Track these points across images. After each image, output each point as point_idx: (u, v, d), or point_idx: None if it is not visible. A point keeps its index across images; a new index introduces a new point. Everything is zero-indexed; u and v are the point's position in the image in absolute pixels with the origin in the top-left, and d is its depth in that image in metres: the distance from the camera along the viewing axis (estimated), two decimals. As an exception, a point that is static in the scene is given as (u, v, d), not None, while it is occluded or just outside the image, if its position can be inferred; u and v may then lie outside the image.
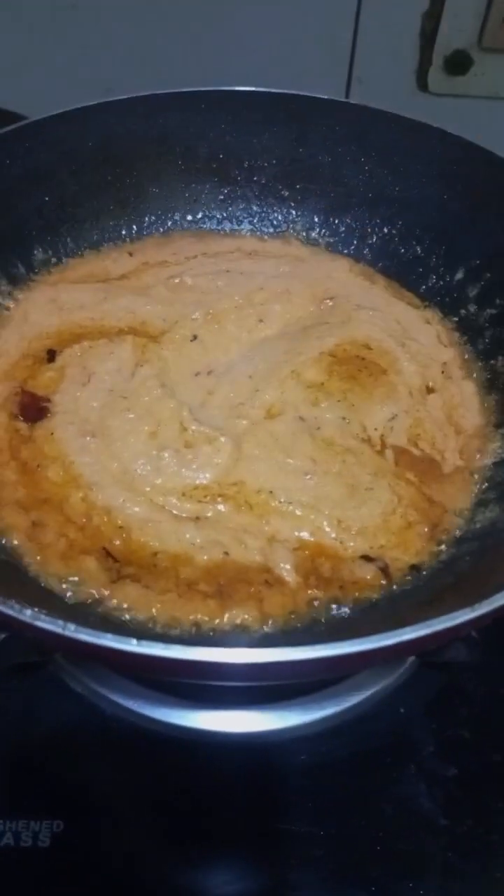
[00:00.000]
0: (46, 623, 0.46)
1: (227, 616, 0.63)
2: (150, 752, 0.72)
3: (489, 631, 0.72)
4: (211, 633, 0.63)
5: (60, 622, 0.45)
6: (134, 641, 0.45)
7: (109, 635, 0.45)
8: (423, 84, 1.29)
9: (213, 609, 0.63)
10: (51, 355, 0.81)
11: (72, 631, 0.45)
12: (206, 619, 0.63)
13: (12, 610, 0.46)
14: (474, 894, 0.66)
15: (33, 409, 0.76)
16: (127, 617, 0.63)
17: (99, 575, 0.64)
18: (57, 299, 0.86)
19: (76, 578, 0.64)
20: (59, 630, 0.45)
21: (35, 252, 0.89)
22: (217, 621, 0.63)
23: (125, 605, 0.63)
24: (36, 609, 0.46)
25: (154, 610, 0.63)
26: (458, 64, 1.26)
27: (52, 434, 0.74)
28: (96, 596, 0.63)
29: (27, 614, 0.46)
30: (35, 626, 0.46)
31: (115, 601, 0.63)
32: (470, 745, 0.74)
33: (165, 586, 0.64)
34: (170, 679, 0.70)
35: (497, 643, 0.77)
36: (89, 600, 0.63)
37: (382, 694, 0.76)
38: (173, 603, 0.63)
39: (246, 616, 0.63)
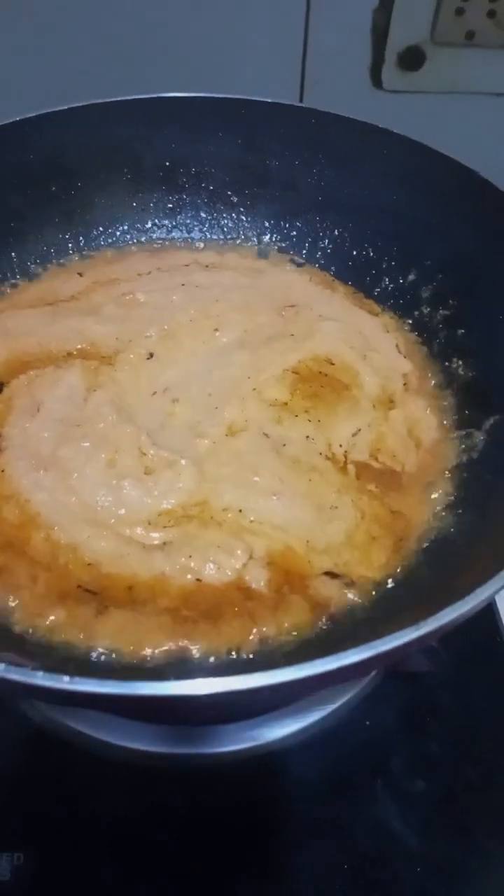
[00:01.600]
0: (14, 674, 0.44)
1: (222, 636, 0.61)
2: (110, 778, 0.71)
3: (454, 641, 0.71)
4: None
5: (25, 670, 0.44)
6: (66, 678, 0.43)
7: (40, 673, 0.43)
8: (377, 81, 1.27)
9: (206, 631, 0.61)
10: (-3, 387, 0.78)
11: (1, 671, 0.44)
12: (204, 643, 0.61)
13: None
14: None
15: None
16: (113, 656, 0.60)
17: (80, 612, 0.62)
18: (3, 326, 0.83)
19: (55, 619, 0.61)
20: (20, 679, 0.44)
21: (-22, 268, 0.87)
22: (213, 643, 0.61)
23: (111, 642, 0.60)
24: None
25: (144, 641, 0.60)
26: (412, 60, 1.24)
27: (2, 471, 0.70)
28: (80, 636, 0.61)
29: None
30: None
31: (100, 638, 0.60)
32: (437, 756, 0.73)
33: (152, 613, 0.62)
34: (124, 715, 0.68)
35: (463, 652, 0.76)
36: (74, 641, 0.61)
37: (348, 707, 0.75)
38: (164, 629, 0.61)
39: (241, 634, 0.61)
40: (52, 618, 0.61)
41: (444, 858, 0.67)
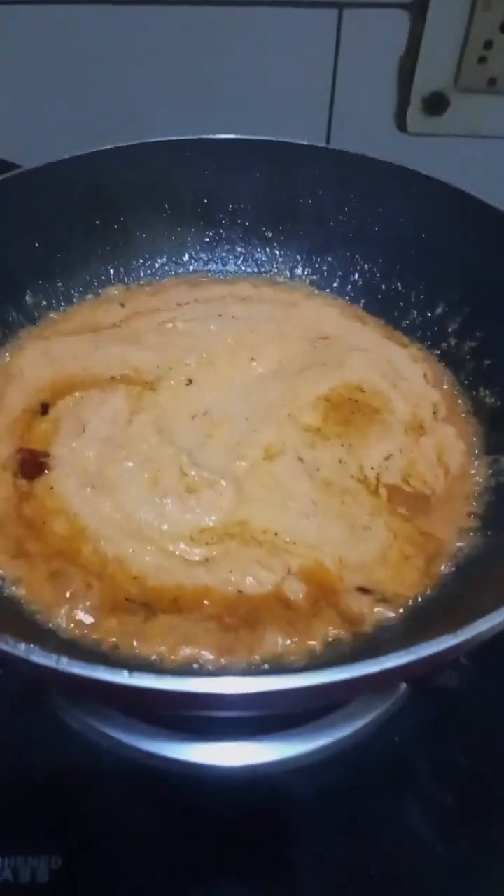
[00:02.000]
0: (41, 658, 0.47)
1: (262, 643, 0.64)
2: (147, 786, 0.73)
3: (481, 658, 0.73)
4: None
5: (54, 656, 0.47)
6: (125, 673, 0.46)
7: (101, 667, 0.46)
8: (402, 125, 1.32)
9: (246, 637, 0.64)
10: (44, 408, 0.82)
11: (65, 665, 0.47)
12: (245, 650, 0.64)
13: (6, 645, 0.48)
14: (473, 921, 0.67)
15: (32, 465, 0.76)
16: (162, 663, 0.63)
17: (130, 620, 0.65)
18: (49, 352, 0.87)
19: (108, 624, 0.65)
20: (52, 664, 0.47)
21: (26, 297, 0.92)
22: (254, 650, 0.64)
23: (159, 645, 0.63)
24: (31, 644, 0.48)
25: (192, 643, 0.63)
26: (436, 104, 1.29)
27: (51, 488, 0.74)
28: (132, 642, 0.64)
29: (21, 649, 0.47)
30: (30, 661, 0.47)
31: (150, 642, 0.64)
32: (465, 771, 0.74)
33: (198, 619, 0.65)
34: (166, 712, 0.70)
35: (490, 670, 0.78)
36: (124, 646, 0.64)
37: (377, 723, 0.76)
38: (212, 634, 0.64)
39: (283, 640, 0.64)
40: (105, 623, 0.64)
41: (470, 865, 0.69)
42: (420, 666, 0.49)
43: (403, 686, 0.78)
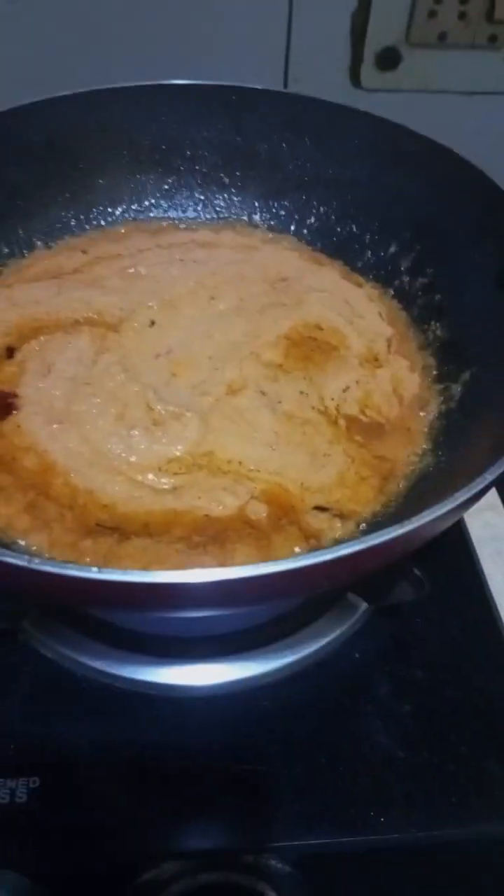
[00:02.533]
0: (13, 558, 0.49)
1: (228, 557, 0.66)
2: (120, 708, 0.75)
3: (435, 576, 0.77)
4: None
5: (26, 557, 0.49)
6: (95, 569, 0.48)
7: (71, 565, 0.48)
8: (356, 80, 1.34)
9: (215, 552, 0.67)
10: (10, 352, 0.83)
11: (37, 564, 0.49)
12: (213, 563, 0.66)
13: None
14: (433, 820, 0.70)
15: (1, 405, 0.78)
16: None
17: (103, 541, 0.67)
18: (12, 297, 0.88)
19: (82, 547, 0.67)
20: (24, 564, 0.49)
21: (-14, 243, 0.92)
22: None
23: (131, 564, 0.65)
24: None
25: (164, 562, 0.66)
26: (388, 59, 1.31)
27: (18, 426, 0.76)
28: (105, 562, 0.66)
29: (-8, 552, 0.49)
30: (3, 562, 0.49)
31: (123, 562, 0.65)
32: (423, 683, 0.78)
33: (168, 542, 0.68)
34: (136, 611, 0.72)
35: (443, 587, 0.82)
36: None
37: (338, 641, 0.80)
38: (181, 554, 0.66)
39: (249, 556, 0.67)
40: (80, 546, 0.66)
41: (429, 769, 0.73)
42: (371, 557, 0.51)
43: (363, 606, 0.81)
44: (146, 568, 0.65)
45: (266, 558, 0.67)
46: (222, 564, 0.66)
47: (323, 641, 0.79)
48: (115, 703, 0.76)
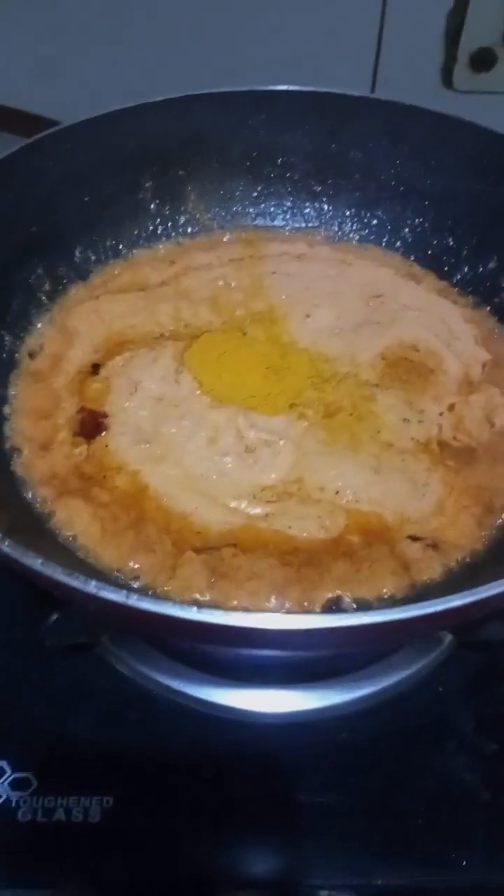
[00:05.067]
0: (111, 594, 0.48)
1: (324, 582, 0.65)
2: (195, 730, 0.74)
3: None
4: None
5: (124, 592, 0.48)
6: (194, 609, 0.47)
7: (170, 603, 0.47)
8: (448, 82, 1.30)
9: (311, 576, 0.66)
10: (95, 368, 0.82)
11: (135, 601, 0.48)
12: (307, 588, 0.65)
13: (78, 582, 0.49)
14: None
15: (91, 425, 0.77)
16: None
17: (202, 564, 0.66)
18: (99, 310, 0.87)
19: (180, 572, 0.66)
20: (122, 600, 0.48)
21: (76, 252, 0.92)
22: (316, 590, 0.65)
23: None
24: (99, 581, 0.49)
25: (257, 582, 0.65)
26: (483, 61, 1.27)
27: (106, 446, 0.75)
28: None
29: (92, 585, 0.48)
30: (100, 597, 0.48)
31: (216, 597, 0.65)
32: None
33: (261, 556, 0.67)
34: (225, 647, 0.71)
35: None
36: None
37: (420, 674, 0.77)
38: (275, 569, 0.66)
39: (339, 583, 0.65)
40: (180, 571, 0.66)
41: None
42: (471, 610, 0.49)
43: (448, 638, 0.78)
44: (247, 584, 0.65)
45: (359, 583, 0.66)
46: (316, 587, 0.65)
47: (405, 673, 0.77)
48: (190, 724, 0.75)
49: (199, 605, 0.64)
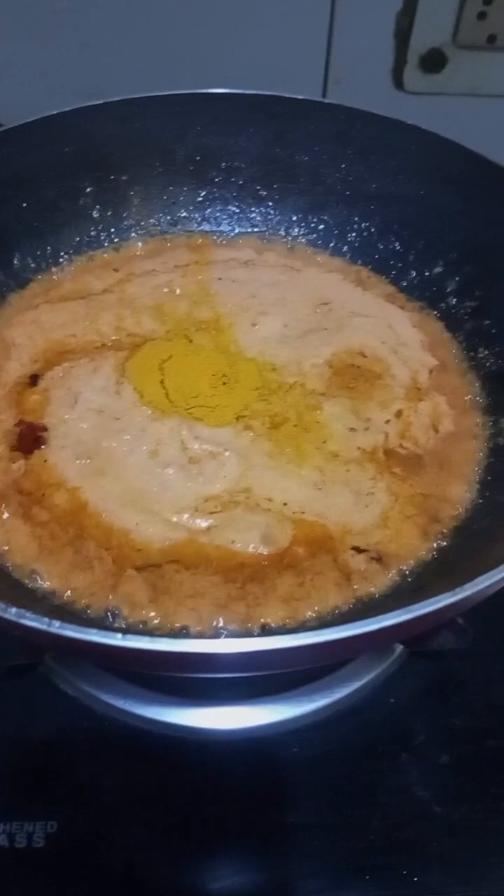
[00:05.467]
0: (32, 621, 0.46)
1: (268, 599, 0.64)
2: (143, 750, 0.72)
3: (477, 618, 0.73)
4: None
5: (46, 619, 0.46)
6: (119, 636, 0.45)
7: (94, 630, 0.45)
8: (399, 83, 1.29)
9: (257, 593, 0.64)
10: (33, 379, 0.80)
11: (57, 627, 0.46)
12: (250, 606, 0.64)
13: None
14: (472, 880, 0.67)
15: (30, 439, 0.75)
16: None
17: (142, 582, 0.65)
18: (38, 320, 0.85)
19: (121, 590, 0.64)
20: (44, 627, 0.46)
21: (14, 259, 0.89)
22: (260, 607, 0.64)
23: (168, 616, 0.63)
24: (21, 607, 0.47)
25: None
26: (434, 62, 1.26)
27: (45, 461, 0.72)
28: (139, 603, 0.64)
29: (12, 612, 0.46)
30: (21, 624, 0.46)
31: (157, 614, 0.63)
32: (461, 732, 0.74)
33: (205, 574, 0.66)
34: (160, 673, 0.70)
35: (485, 630, 0.78)
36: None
37: (373, 685, 0.76)
38: (218, 588, 0.64)
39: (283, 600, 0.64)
40: (121, 589, 0.64)
41: (466, 824, 0.69)
42: (418, 624, 0.48)
43: (400, 648, 0.78)
44: (188, 601, 0.63)
45: (304, 596, 0.64)
46: (260, 604, 0.64)
47: (356, 685, 0.76)
48: (138, 744, 0.73)
49: (143, 623, 0.63)
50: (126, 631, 0.46)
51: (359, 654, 0.70)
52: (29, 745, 0.73)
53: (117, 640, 0.45)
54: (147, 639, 0.45)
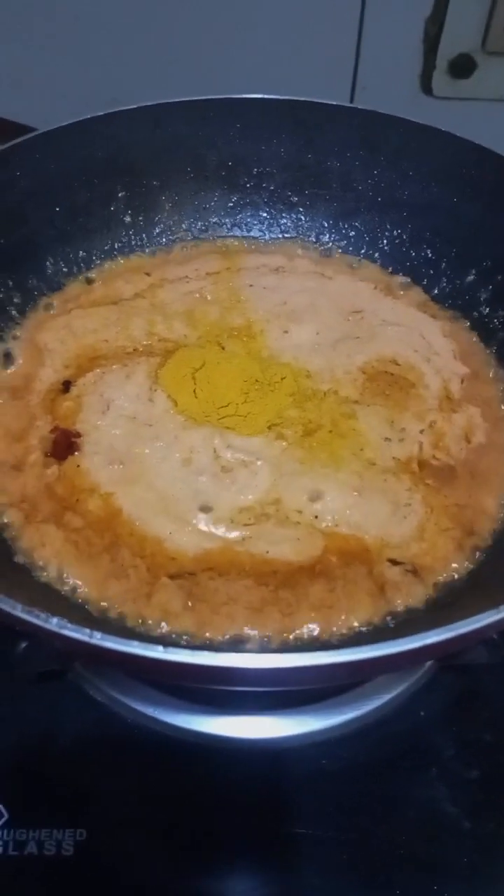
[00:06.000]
0: (73, 632, 0.46)
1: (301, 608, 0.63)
2: (172, 758, 0.72)
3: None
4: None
5: (87, 630, 0.46)
6: (160, 648, 0.45)
7: (136, 642, 0.45)
8: (427, 88, 1.29)
9: (289, 599, 0.64)
10: (66, 385, 0.79)
11: (98, 639, 0.46)
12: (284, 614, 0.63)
13: (38, 619, 0.47)
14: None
15: (64, 445, 0.74)
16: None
17: (176, 591, 0.64)
18: (70, 325, 0.85)
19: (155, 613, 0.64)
20: (85, 638, 0.46)
21: (47, 263, 0.90)
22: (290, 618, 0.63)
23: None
24: (62, 618, 0.47)
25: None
26: (462, 67, 1.26)
27: (78, 466, 0.72)
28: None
29: (53, 623, 0.46)
30: (62, 634, 0.46)
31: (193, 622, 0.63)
32: (491, 747, 0.74)
33: (237, 578, 0.65)
34: (198, 686, 0.70)
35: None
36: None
37: (401, 698, 0.76)
38: (251, 591, 0.64)
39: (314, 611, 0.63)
40: (154, 597, 0.63)
41: (495, 840, 0.68)
42: (459, 642, 0.48)
43: (430, 662, 0.77)
44: (223, 608, 0.63)
45: (336, 605, 0.64)
46: (293, 611, 0.63)
47: (385, 698, 0.75)
48: (167, 752, 0.73)
49: (177, 633, 0.62)
50: (166, 643, 0.45)
51: (394, 671, 0.69)
52: (58, 751, 0.73)
53: (159, 652, 0.45)
54: (188, 652, 0.45)
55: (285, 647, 0.62)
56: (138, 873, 0.67)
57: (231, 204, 1.00)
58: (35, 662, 0.71)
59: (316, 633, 0.63)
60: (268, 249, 0.99)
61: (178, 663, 0.45)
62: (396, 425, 0.77)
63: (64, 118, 0.88)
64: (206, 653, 0.45)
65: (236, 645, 0.61)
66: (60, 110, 0.89)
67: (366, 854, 0.67)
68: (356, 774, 0.72)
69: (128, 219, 0.95)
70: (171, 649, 0.45)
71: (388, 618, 0.64)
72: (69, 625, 0.46)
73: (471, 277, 0.89)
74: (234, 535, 0.68)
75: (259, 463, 0.72)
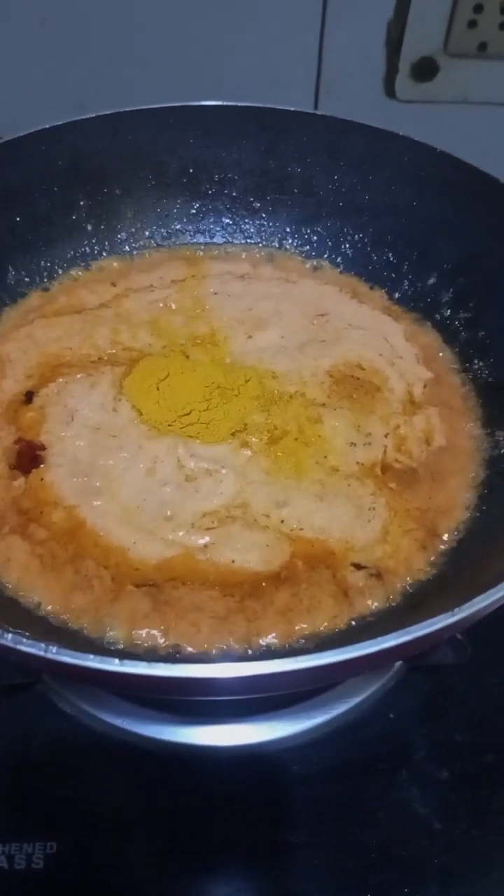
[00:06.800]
0: (28, 647, 0.46)
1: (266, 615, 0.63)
2: (142, 769, 0.72)
3: (476, 632, 0.72)
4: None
5: (42, 645, 0.45)
6: (116, 661, 0.45)
7: (91, 656, 0.45)
8: (390, 91, 1.29)
9: (255, 609, 0.64)
10: (28, 396, 0.79)
11: (54, 653, 0.45)
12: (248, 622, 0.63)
13: (-6, 634, 0.46)
14: (472, 896, 0.66)
15: (28, 457, 0.74)
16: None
17: (140, 599, 0.64)
18: (33, 335, 0.84)
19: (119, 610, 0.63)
20: (41, 653, 0.45)
21: (9, 273, 0.89)
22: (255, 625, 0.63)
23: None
24: (17, 631, 0.46)
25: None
26: (425, 70, 1.26)
27: (42, 479, 0.72)
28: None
29: (8, 638, 0.46)
30: (18, 650, 0.46)
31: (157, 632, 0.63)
32: (460, 747, 0.74)
33: (202, 588, 0.65)
34: (161, 697, 0.70)
35: (484, 644, 0.77)
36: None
37: (372, 700, 0.76)
38: (216, 601, 0.64)
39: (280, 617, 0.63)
40: (117, 606, 0.63)
41: (466, 840, 0.69)
42: (418, 644, 0.48)
43: (398, 663, 0.77)
44: (188, 615, 0.63)
45: (300, 609, 0.64)
46: (258, 618, 0.63)
47: (355, 700, 0.76)
48: (137, 762, 0.73)
49: (142, 643, 0.62)
50: (123, 655, 0.45)
51: (358, 674, 0.70)
52: (27, 764, 0.73)
53: (115, 665, 0.45)
54: (144, 664, 0.45)
55: (249, 654, 0.61)
56: (109, 886, 0.66)
57: (194, 210, 1.00)
58: (2, 675, 0.71)
59: (280, 638, 0.63)
60: (232, 256, 0.99)
61: (135, 675, 0.45)
62: (363, 430, 0.77)
63: (24, 127, 0.87)
64: (162, 664, 0.45)
65: (201, 654, 0.61)
66: (19, 119, 0.88)
67: (339, 857, 0.68)
68: (328, 778, 0.72)
69: (90, 227, 0.95)
70: (127, 662, 0.45)
71: (353, 622, 0.64)
72: (24, 640, 0.46)
73: (432, 280, 0.89)
74: (197, 540, 0.68)
75: (224, 471, 0.72)
